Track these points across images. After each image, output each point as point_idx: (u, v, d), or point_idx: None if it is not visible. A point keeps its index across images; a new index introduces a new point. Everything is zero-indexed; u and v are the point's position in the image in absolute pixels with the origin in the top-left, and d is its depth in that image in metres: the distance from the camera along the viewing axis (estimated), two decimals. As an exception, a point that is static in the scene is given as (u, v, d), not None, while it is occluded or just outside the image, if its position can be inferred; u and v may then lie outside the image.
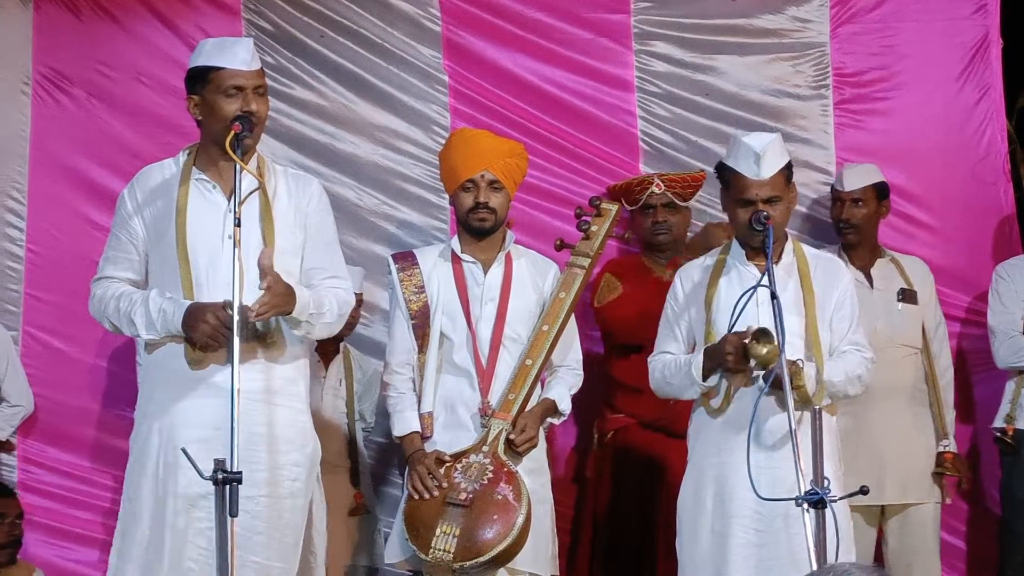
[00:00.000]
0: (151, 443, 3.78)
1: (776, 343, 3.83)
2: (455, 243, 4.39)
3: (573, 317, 4.43)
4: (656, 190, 4.97)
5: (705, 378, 4.04)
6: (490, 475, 4.11)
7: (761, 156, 4.04)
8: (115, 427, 4.94)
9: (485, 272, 4.35)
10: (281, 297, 3.70)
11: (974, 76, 5.31)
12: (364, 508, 4.97)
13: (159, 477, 3.75)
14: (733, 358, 3.95)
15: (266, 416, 3.78)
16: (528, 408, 4.25)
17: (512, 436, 4.17)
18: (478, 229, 4.33)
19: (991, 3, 5.29)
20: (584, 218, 4.51)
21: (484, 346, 4.27)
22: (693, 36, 5.40)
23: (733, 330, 3.95)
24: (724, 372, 4.03)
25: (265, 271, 3.69)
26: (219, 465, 3.33)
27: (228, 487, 3.33)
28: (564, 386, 4.35)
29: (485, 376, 4.25)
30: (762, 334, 3.88)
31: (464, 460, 4.16)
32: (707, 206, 5.25)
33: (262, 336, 3.77)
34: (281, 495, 3.79)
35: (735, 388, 4.03)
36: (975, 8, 5.31)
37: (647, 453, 4.86)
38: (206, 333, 3.68)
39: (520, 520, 4.05)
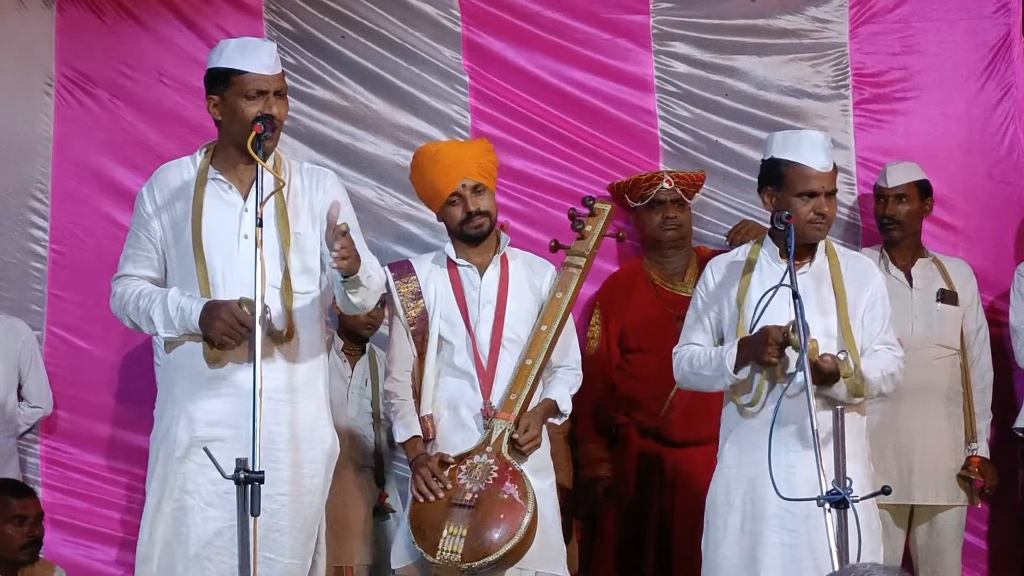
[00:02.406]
0: (170, 442, 3.80)
1: (811, 337, 3.82)
2: (449, 249, 4.38)
3: (571, 317, 4.42)
4: (666, 186, 4.98)
5: (737, 370, 4.02)
6: (495, 475, 4.10)
7: (826, 146, 4.05)
8: (138, 426, 4.95)
9: (481, 275, 4.34)
10: (354, 256, 3.68)
11: (996, 75, 5.29)
12: (389, 508, 4.98)
13: (178, 475, 3.77)
14: (772, 350, 3.91)
15: (286, 415, 3.80)
16: (530, 408, 4.24)
17: (515, 436, 4.16)
18: (476, 236, 4.32)
19: (1013, 2, 5.28)
20: (579, 218, 4.50)
21: (484, 348, 4.26)
22: (712, 37, 5.40)
23: (757, 326, 3.95)
24: (757, 365, 3.99)
25: (333, 220, 3.66)
26: (241, 464, 3.33)
27: (250, 486, 3.33)
28: (564, 386, 4.33)
29: (486, 378, 4.24)
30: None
31: (468, 461, 4.15)
32: (711, 199, 5.26)
33: (276, 334, 3.77)
34: (301, 493, 3.81)
35: (769, 385, 4.00)
36: (997, 7, 5.30)
37: (643, 456, 4.88)
38: (222, 330, 3.69)
39: (527, 519, 4.03)
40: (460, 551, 4.01)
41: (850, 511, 3.52)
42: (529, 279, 4.37)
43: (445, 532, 4.03)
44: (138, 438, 4.81)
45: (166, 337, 3.83)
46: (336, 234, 3.64)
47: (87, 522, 5.16)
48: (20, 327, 5.12)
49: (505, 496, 4.06)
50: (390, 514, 4.98)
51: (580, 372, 4.40)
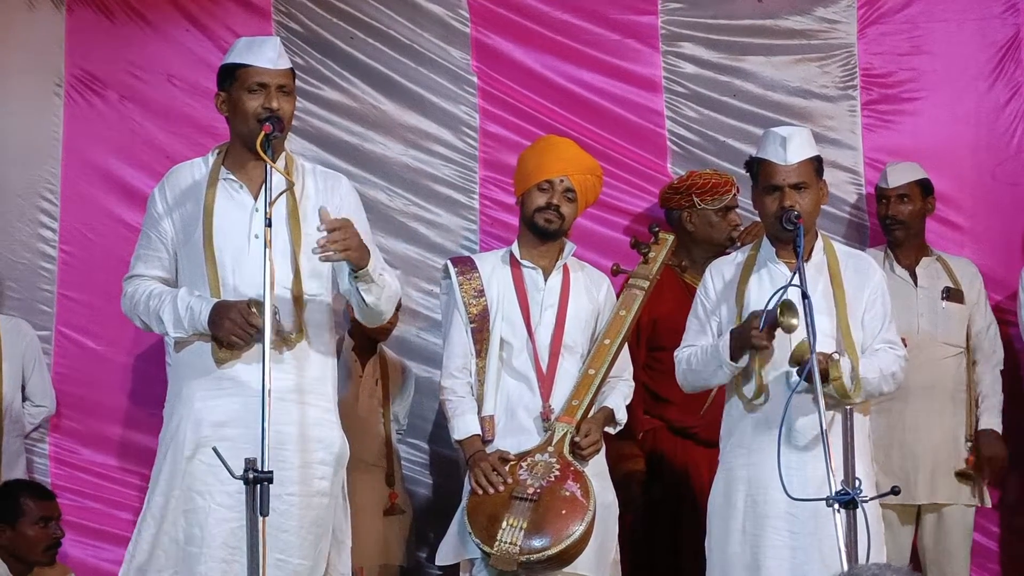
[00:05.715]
0: (179, 441, 3.81)
1: (800, 318, 3.81)
2: (515, 248, 4.40)
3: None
4: (738, 195, 4.99)
5: (734, 359, 4.00)
6: (557, 473, 4.11)
7: (788, 140, 4.04)
8: (148, 426, 4.96)
9: (545, 278, 4.36)
10: (357, 247, 3.66)
11: (1004, 75, 5.29)
12: (399, 508, 4.98)
13: (187, 475, 3.77)
14: (759, 333, 3.91)
15: (295, 415, 3.80)
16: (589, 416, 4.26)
17: (577, 439, 4.17)
18: (543, 229, 4.34)
19: (1022, 2, 5.28)
20: (642, 243, 4.53)
21: (544, 352, 4.28)
22: (720, 37, 5.40)
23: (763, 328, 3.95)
24: (751, 351, 3.98)
25: (325, 217, 3.64)
26: (250, 464, 3.33)
27: (259, 487, 3.33)
28: (620, 396, 4.37)
29: (546, 381, 4.26)
30: (787, 307, 3.86)
31: (529, 459, 4.16)
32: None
33: (285, 335, 3.78)
34: (309, 493, 3.81)
35: (762, 369, 3.98)
36: (1005, 7, 5.30)
37: (676, 457, 4.86)
38: (230, 331, 3.70)
39: (588, 516, 4.04)
40: (519, 543, 4.01)
41: (859, 511, 3.51)
42: (587, 288, 4.40)
43: (504, 524, 4.03)
44: (148, 439, 4.81)
45: (175, 337, 3.84)
46: (331, 225, 3.62)
47: (96, 522, 5.17)
48: (24, 328, 5.14)
49: (567, 493, 4.08)
50: (400, 514, 4.99)
51: (633, 383, 4.44)
